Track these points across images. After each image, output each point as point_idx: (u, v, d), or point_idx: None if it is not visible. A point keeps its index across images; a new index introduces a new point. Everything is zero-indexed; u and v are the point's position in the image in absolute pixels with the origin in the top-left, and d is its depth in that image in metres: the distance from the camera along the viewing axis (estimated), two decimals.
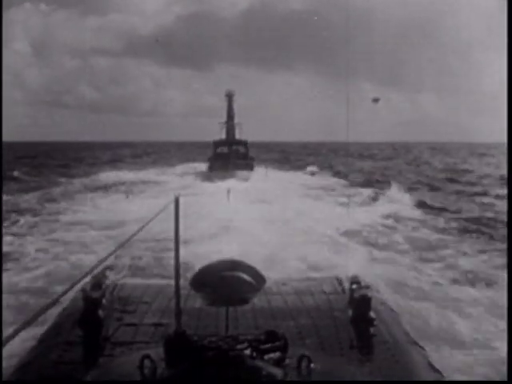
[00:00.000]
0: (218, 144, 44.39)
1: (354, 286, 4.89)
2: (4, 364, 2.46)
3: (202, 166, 42.65)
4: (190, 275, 6.10)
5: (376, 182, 32.31)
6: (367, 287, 4.88)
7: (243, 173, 35.89)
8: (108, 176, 37.29)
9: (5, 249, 11.14)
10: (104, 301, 4.84)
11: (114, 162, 51.21)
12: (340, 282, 5.75)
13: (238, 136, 45.71)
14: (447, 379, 3.93)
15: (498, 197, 23.83)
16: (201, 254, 8.64)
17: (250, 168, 38.75)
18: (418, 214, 19.87)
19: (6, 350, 2.36)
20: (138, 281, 6.34)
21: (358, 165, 50.48)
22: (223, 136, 45.72)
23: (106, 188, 28.25)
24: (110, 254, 3.92)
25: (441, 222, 18.38)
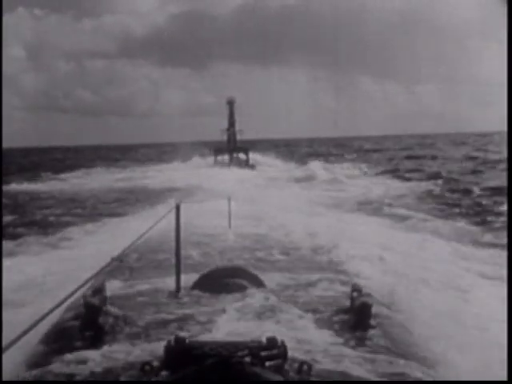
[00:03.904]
0: (218, 151, 44.52)
1: (355, 294, 4.89)
2: (4, 364, 2.46)
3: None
4: (192, 280, 6.13)
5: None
6: (368, 295, 4.89)
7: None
8: None
9: None
10: (104, 307, 4.84)
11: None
12: (341, 288, 5.75)
13: (238, 143, 45.76)
14: (447, 379, 3.93)
15: None
16: None
17: None
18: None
19: (6, 351, 2.36)
20: (138, 286, 6.33)
21: None
22: (224, 139, 45.63)
23: None
24: (112, 261, 3.93)
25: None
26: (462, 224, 14.38)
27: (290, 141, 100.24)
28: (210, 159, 44.87)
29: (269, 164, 43.15)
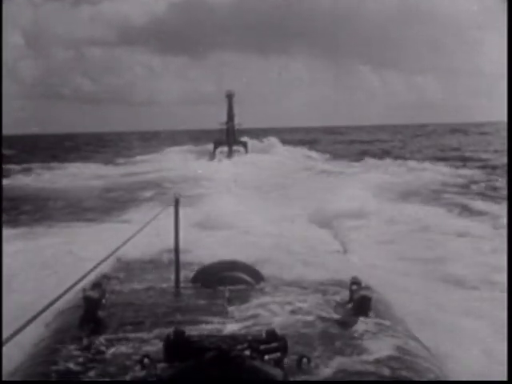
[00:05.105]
0: (218, 144, 44.45)
1: (354, 287, 4.90)
2: (4, 364, 2.46)
3: None
4: (190, 274, 6.13)
5: None
6: (367, 288, 4.88)
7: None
8: None
9: None
10: (104, 301, 4.85)
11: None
12: (341, 281, 5.76)
13: (237, 133, 45.61)
14: (447, 379, 3.93)
15: None
16: None
17: None
18: None
19: (6, 350, 2.36)
20: (137, 280, 6.33)
21: None
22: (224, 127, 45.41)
23: None
24: (111, 255, 3.92)
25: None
26: None
27: (288, 130, 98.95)
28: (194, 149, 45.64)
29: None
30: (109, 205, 16.75)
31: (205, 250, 7.77)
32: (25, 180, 28.03)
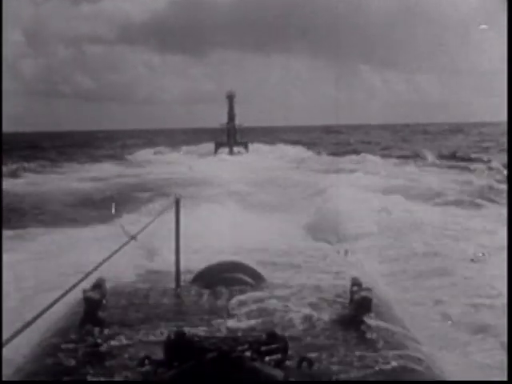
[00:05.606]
0: (218, 145, 44.50)
1: (355, 288, 4.89)
2: (4, 364, 2.46)
3: None
4: (191, 276, 6.13)
5: None
6: (368, 289, 4.88)
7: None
8: None
9: None
10: (104, 301, 4.85)
11: None
12: (341, 283, 5.76)
13: (238, 137, 45.66)
14: (448, 379, 3.93)
15: None
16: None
17: None
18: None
19: (6, 350, 2.36)
20: (138, 281, 6.33)
21: None
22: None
23: None
24: (111, 255, 3.92)
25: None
26: None
27: (289, 128, 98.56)
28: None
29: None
30: (105, 208, 16.55)
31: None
32: (13, 183, 25.57)
